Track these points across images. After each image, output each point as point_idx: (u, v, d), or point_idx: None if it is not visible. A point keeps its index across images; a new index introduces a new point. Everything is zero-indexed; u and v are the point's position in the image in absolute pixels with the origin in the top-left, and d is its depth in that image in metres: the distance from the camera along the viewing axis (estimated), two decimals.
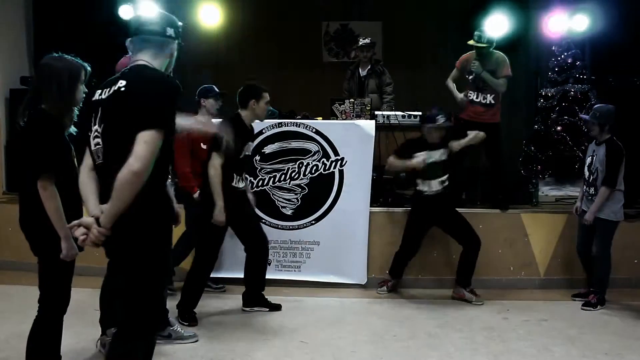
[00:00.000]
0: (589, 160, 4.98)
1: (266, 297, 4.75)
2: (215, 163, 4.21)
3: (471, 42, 5.74)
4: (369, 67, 6.62)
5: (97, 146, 2.34)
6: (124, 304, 2.36)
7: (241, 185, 4.47)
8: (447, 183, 5.09)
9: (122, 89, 2.29)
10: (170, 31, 2.46)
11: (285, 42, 8.50)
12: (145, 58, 2.41)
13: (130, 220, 2.24)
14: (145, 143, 2.16)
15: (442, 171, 5.06)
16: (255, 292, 4.72)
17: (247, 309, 4.71)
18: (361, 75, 6.64)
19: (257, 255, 4.65)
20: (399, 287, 5.37)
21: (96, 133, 2.35)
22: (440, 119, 4.97)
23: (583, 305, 4.85)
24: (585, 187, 5.00)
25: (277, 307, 4.73)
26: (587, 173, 4.96)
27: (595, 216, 4.83)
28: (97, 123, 2.35)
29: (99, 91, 2.40)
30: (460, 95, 5.90)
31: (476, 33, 5.72)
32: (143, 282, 2.33)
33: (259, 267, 4.68)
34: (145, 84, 2.30)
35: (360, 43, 6.60)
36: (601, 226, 4.80)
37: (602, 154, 4.83)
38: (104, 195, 2.28)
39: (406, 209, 5.53)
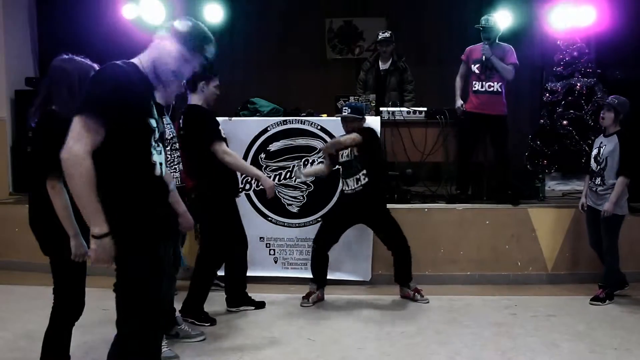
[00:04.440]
0: (595, 152, 4.93)
1: (249, 294, 4.70)
2: (225, 149, 4.11)
3: (478, 26, 5.75)
4: (391, 61, 6.56)
5: None
6: (116, 302, 2.35)
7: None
8: (366, 179, 4.73)
9: None
10: (168, 26, 2.42)
11: (289, 39, 8.50)
12: (140, 55, 2.41)
13: (110, 217, 2.22)
14: (70, 130, 2.17)
15: (357, 168, 4.78)
16: (239, 292, 4.67)
17: (233, 309, 4.65)
18: (381, 69, 6.58)
19: (238, 253, 4.57)
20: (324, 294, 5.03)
21: None
22: (345, 110, 4.77)
23: (591, 300, 4.83)
24: (591, 179, 4.95)
25: (261, 305, 4.70)
26: (594, 164, 4.91)
27: (600, 210, 4.81)
28: None
29: None
30: (459, 103, 5.90)
31: (483, 18, 5.75)
32: (128, 281, 2.30)
33: (241, 265, 4.62)
34: (94, 75, 2.33)
35: (380, 37, 6.53)
36: (607, 221, 4.76)
37: (612, 144, 4.77)
38: None
39: (412, 205, 5.54)
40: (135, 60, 2.38)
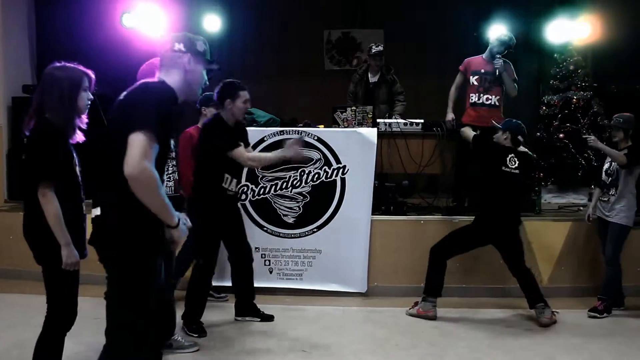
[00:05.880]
0: (607, 165, 4.99)
1: (258, 306, 4.68)
2: (242, 155, 4.13)
3: (508, 45, 5.64)
4: (379, 74, 6.55)
5: None
6: (107, 310, 2.34)
7: (232, 187, 4.31)
8: None
9: (120, 99, 2.37)
10: (178, 46, 2.49)
11: (287, 50, 8.53)
12: (160, 75, 2.48)
13: (110, 229, 2.25)
14: (130, 146, 2.17)
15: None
16: (246, 301, 4.66)
17: (239, 318, 4.65)
18: (370, 81, 6.58)
19: (243, 264, 4.57)
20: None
21: None
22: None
23: (589, 310, 4.81)
24: (602, 192, 4.97)
25: (269, 318, 4.66)
26: (605, 177, 4.96)
27: (610, 220, 4.82)
28: None
29: None
30: (450, 116, 5.88)
31: (507, 35, 5.67)
32: (127, 288, 2.30)
33: (246, 275, 4.60)
34: (135, 92, 2.35)
35: (373, 51, 6.47)
36: (615, 230, 4.78)
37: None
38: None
39: (409, 217, 5.53)
40: (155, 79, 2.45)
